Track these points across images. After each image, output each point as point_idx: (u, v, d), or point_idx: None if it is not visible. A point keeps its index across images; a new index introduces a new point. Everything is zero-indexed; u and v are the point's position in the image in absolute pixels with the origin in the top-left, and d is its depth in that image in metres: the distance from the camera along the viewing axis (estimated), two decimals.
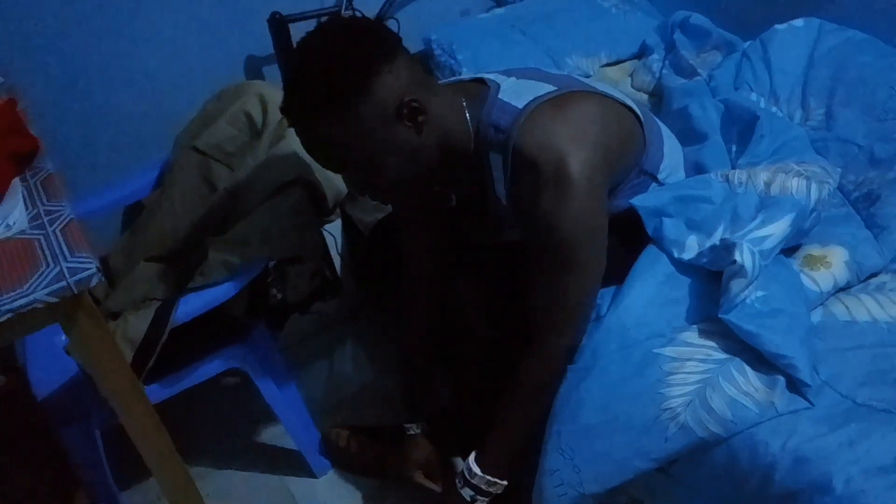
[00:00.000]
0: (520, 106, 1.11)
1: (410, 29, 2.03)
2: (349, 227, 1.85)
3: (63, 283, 0.94)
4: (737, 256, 1.06)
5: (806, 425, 1.03)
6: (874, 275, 1.26)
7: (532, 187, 1.07)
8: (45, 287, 0.94)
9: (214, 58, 1.92)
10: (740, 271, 1.06)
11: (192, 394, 1.43)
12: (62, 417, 1.32)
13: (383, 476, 1.61)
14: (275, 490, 1.65)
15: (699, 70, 1.84)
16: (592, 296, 1.18)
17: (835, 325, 1.18)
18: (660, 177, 1.30)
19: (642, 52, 2.07)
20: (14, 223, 1.05)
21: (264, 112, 1.43)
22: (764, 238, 1.13)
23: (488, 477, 1.24)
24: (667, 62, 1.97)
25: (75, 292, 0.95)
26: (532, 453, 1.21)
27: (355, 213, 1.83)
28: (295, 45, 1.10)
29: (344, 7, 1.95)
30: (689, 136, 1.55)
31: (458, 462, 1.42)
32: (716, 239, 1.16)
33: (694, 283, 1.19)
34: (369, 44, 1.07)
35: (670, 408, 1.07)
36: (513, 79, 1.19)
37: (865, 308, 1.19)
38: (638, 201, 1.22)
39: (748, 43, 1.88)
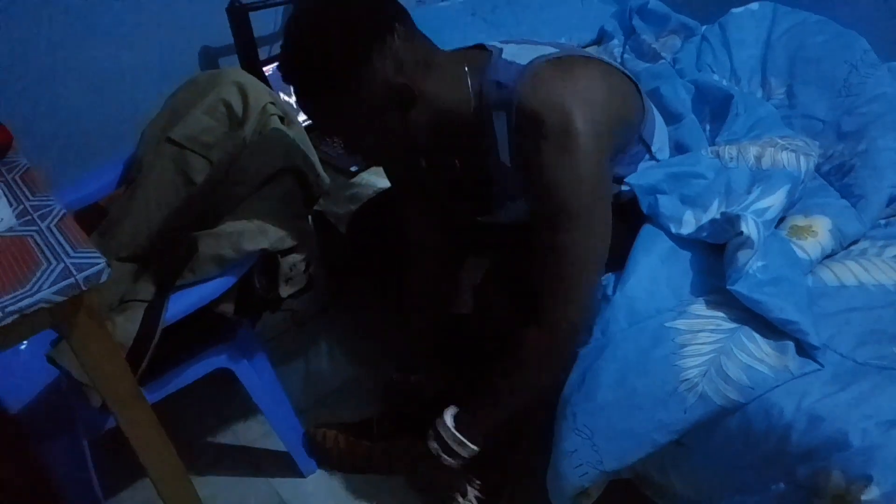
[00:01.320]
0: (523, 63, 1.09)
1: None
2: (318, 221, 1.81)
3: (71, 280, 0.88)
4: (743, 228, 1.09)
5: (816, 386, 1.06)
6: (855, 242, 1.32)
7: (536, 143, 1.05)
8: (50, 286, 0.88)
9: (169, 49, 1.85)
10: (747, 242, 1.09)
11: (170, 396, 1.36)
12: (44, 430, 1.24)
13: (373, 472, 1.58)
14: (262, 491, 1.60)
15: (662, 54, 1.89)
16: (599, 262, 1.13)
17: (826, 290, 1.23)
18: (653, 148, 1.30)
19: (601, 38, 2.11)
20: (1, 219, 0.98)
21: (244, 100, 1.38)
22: (765, 209, 1.17)
23: (459, 435, 1.21)
24: (627, 47, 2.02)
25: (84, 289, 0.89)
26: (507, 435, 1.22)
27: (327, 207, 1.80)
28: (291, 17, 1.09)
29: None
30: (664, 116, 1.58)
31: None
32: (712, 213, 1.19)
33: (694, 257, 1.22)
34: (363, 26, 1.04)
35: (687, 379, 1.09)
36: (513, 44, 1.17)
37: (852, 273, 1.25)
38: (633, 179, 1.23)
39: (706, 27, 1.95)
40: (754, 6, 1.88)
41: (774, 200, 1.19)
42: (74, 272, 0.89)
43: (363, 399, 1.77)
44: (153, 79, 1.83)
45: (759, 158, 1.28)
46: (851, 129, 1.48)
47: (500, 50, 1.14)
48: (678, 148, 1.48)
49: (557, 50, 1.14)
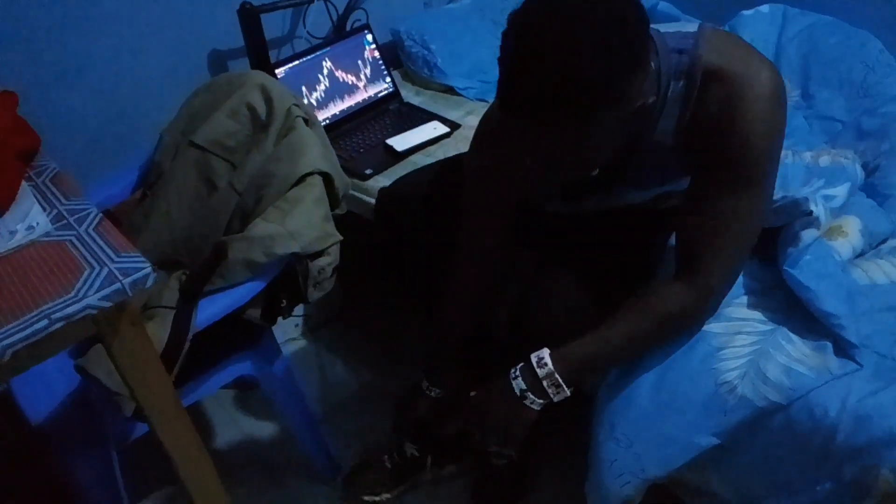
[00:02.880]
0: (693, 30, 1.02)
1: (374, 19, 2.01)
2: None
3: (117, 286, 0.86)
4: (812, 207, 1.09)
5: (859, 385, 1.06)
6: (883, 241, 1.33)
7: (726, 99, 0.99)
8: (96, 291, 0.85)
9: (179, 53, 1.82)
10: (814, 222, 1.09)
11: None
12: (70, 441, 1.21)
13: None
14: (285, 499, 1.57)
15: None
16: (757, 233, 1.08)
17: (858, 289, 1.23)
18: None
19: None
20: (37, 224, 0.95)
21: (268, 104, 1.35)
22: (832, 197, 1.17)
23: (557, 375, 1.09)
24: None
25: (130, 295, 0.87)
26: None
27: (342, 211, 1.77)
28: (524, 16, 0.89)
29: None
30: None
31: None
32: None
33: None
34: (630, 18, 0.88)
35: (726, 381, 1.08)
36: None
37: (882, 271, 1.25)
38: None
39: None
40: (764, 8, 1.89)
41: (839, 192, 1.20)
42: (120, 277, 0.86)
43: (381, 405, 1.75)
44: (163, 83, 1.80)
45: (815, 158, 1.29)
46: (873, 128, 1.49)
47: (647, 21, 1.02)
48: None
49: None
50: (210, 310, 1.21)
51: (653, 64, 0.97)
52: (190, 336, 1.18)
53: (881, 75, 1.60)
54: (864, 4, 1.76)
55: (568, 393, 1.10)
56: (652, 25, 0.98)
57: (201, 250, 1.35)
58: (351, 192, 1.70)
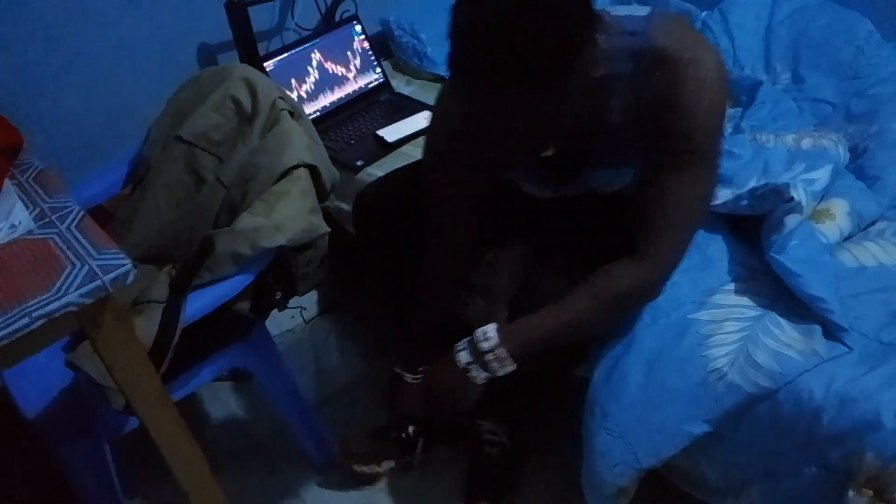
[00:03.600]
0: (644, 14, 1.06)
1: (363, 9, 2.00)
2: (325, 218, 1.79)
3: (97, 283, 0.86)
4: (794, 194, 1.09)
5: (845, 368, 1.06)
6: (871, 223, 1.32)
7: (672, 80, 1.02)
8: (77, 288, 0.86)
9: (167, 46, 1.82)
10: (796, 207, 1.09)
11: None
12: (64, 435, 1.22)
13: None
14: (280, 490, 1.58)
15: None
16: (706, 211, 1.12)
17: (846, 272, 1.23)
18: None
19: None
20: (19, 222, 0.96)
21: (253, 96, 1.35)
22: (813, 181, 1.17)
23: (503, 348, 1.10)
24: None
25: (111, 291, 0.88)
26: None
27: (333, 203, 1.77)
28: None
29: None
30: None
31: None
32: (747, 189, 1.19)
33: (714, 247, 1.22)
34: (587, 10, 0.92)
35: (716, 368, 1.08)
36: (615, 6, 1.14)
37: (871, 254, 1.25)
38: None
39: (706, 13, 1.94)
40: None
41: (821, 175, 1.20)
42: (101, 274, 0.87)
43: (375, 395, 1.76)
44: (151, 77, 1.81)
45: (797, 141, 1.29)
46: (862, 110, 1.49)
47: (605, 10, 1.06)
48: None
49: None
50: (198, 304, 1.22)
51: (602, 42, 0.97)
52: (179, 330, 1.18)
53: (871, 57, 1.59)
54: None
55: (513, 367, 1.12)
56: (605, 8, 1.03)
57: (190, 244, 1.36)
58: (344, 185, 1.71)
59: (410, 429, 1.54)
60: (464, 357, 1.14)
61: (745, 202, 1.19)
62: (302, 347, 1.93)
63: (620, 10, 1.08)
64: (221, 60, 1.94)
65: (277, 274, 1.34)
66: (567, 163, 1.16)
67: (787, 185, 1.11)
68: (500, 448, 1.47)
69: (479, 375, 1.13)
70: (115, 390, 1.14)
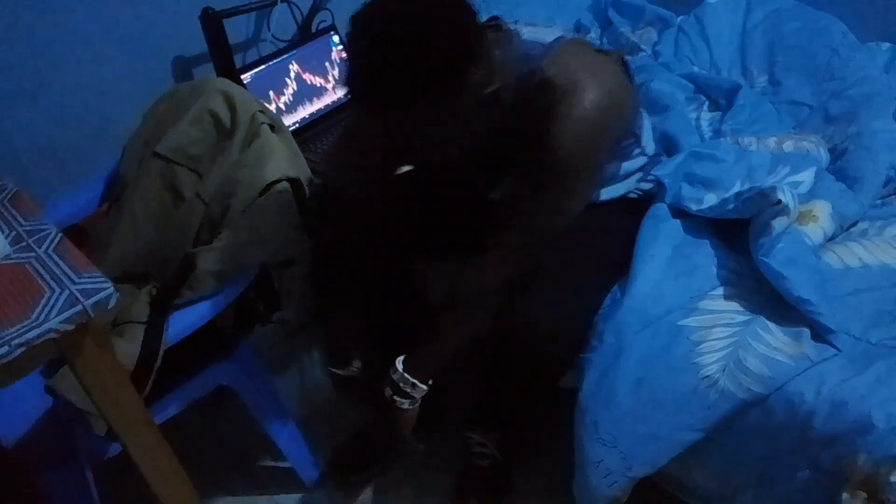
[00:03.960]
0: (548, 40, 1.12)
1: (339, 19, 1.98)
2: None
3: (78, 308, 0.84)
4: (781, 196, 1.10)
5: (834, 371, 1.07)
6: (853, 224, 1.33)
7: (546, 108, 1.06)
8: (57, 314, 0.83)
9: (141, 60, 1.78)
10: (783, 210, 1.09)
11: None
12: (45, 462, 1.19)
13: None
14: None
15: (642, 46, 1.89)
16: (562, 223, 1.16)
17: (831, 273, 1.23)
18: (642, 141, 1.31)
19: (577, 31, 2.10)
20: None
21: (232, 110, 1.33)
22: (798, 183, 1.17)
23: (408, 376, 1.23)
24: (605, 40, 2.01)
25: (91, 316, 0.85)
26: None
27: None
28: (368, 7, 0.97)
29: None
30: (650, 108, 1.58)
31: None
32: (732, 193, 1.19)
33: (700, 253, 1.22)
34: (466, 15, 0.99)
35: (707, 376, 1.08)
36: (521, 24, 1.18)
37: (855, 255, 1.26)
38: (659, 171, 1.24)
39: (681, 17, 1.95)
40: None
41: (805, 177, 1.21)
42: (81, 299, 0.84)
43: (360, 407, 1.73)
44: (126, 91, 1.77)
45: (780, 144, 1.29)
46: (840, 112, 1.50)
47: (517, 30, 1.14)
48: (665, 138, 1.48)
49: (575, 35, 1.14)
50: (181, 323, 1.20)
51: (497, 57, 1.04)
52: (162, 351, 1.16)
53: (846, 58, 1.60)
54: None
55: (425, 388, 1.23)
56: (517, 26, 1.12)
57: (170, 263, 1.33)
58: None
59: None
60: (387, 391, 1.24)
61: (731, 206, 1.19)
62: (285, 361, 1.91)
63: (534, 32, 1.13)
64: (197, 73, 1.91)
65: (260, 289, 1.32)
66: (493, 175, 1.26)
67: (773, 189, 1.11)
68: (490, 461, 1.46)
69: (403, 402, 1.24)
70: (97, 416, 1.12)
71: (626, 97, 1.15)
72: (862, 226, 1.32)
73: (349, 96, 1.00)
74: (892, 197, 1.37)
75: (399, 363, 1.24)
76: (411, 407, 1.25)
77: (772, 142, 1.31)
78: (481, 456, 1.46)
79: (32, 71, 1.61)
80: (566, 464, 1.26)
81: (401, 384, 1.23)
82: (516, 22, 1.18)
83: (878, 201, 1.37)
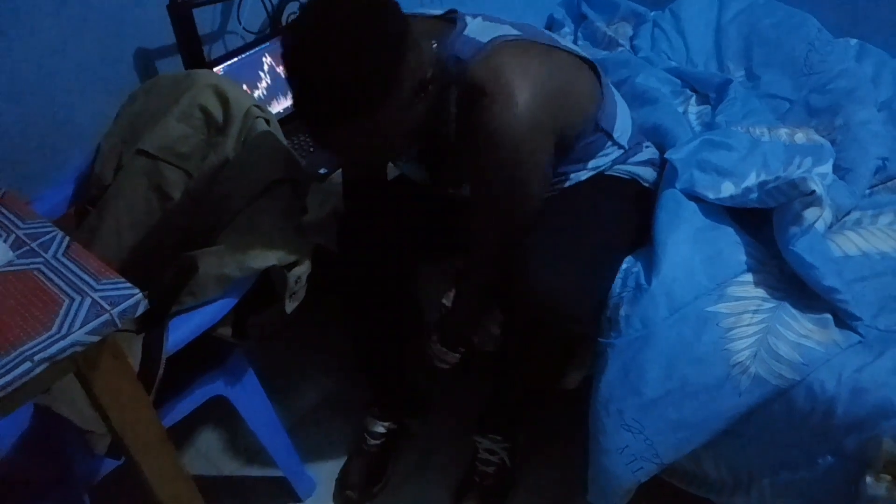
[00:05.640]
0: (483, 41, 1.12)
1: None
2: None
3: (105, 317, 0.77)
4: (814, 187, 1.10)
5: (851, 358, 1.08)
6: (846, 213, 1.36)
7: (480, 110, 1.08)
8: (81, 325, 0.76)
9: (101, 52, 1.67)
10: (815, 201, 1.10)
11: None
12: (38, 485, 1.09)
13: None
14: None
15: (620, 41, 1.90)
16: (531, 220, 1.21)
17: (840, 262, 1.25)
18: (615, 135, 1.31)
19: (550, 26, 2.09)
20: None
21: (224, 105, 1.26)
22: (825, 175, 1.18)
23: (444, 349, 1.34)
24: (580, 34, 2.01)
25: (119, 326, 0.78)
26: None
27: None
28: (294, 35, 1.00)
29: None
30: (636, 101, 1.58)
31: None
32: (752, 182, 1.20)
33: (723, 239, 1.22)
34: (390, 32, 1.00)
35: (739, 362, 1.08)
36: (479, 19, 1.18)
37: (853, 243, 1.28)
38: (672, 154, 1.24)
39: (655, 13, 1.97)
40: None
41: (827, 169, 1.22)
42: (107, 307, 0.77)
43: (349, 412, 1.69)
44: (85, 85, 1.65)
45: (791, 136, 1.31)
46: (823, 105, 1.53)
47: (465, 25, 1.15)
48: (657, 129, 1.47)
49: (520, 33, 1.16)
50: (181, 330, 1.12)
51: (434, 49, 1.09)
52: (163, 361, 1.08)
53: (823, 53, 1.65)
54: None
55: (458, 355, 1.35)
56: (474, 21, 1.14)
57: (158, 267, 1.25)
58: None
59: (378, 428, 1.55)
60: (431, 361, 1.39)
61: (754, 195, 1.20)
62: (267, 367, 1.82)
63: (486, 28, 1.14)
64: (161, 66, 1.80)
65: (258, 295, 1.26)
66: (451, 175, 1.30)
67: (803, 179, 1.12)
68: (495, 467, 1.43)
69: (444, 366, 1.38)
70: (98, 434, 1.04)
71: (568, 94, 1.18)
72: (855, 215, 1.35)
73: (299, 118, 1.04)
74: (880, 187, 1.41)
75: (434, 338, 1.34)
76: (452, 365, 1.37)
77: (783, 133, 1.33)
78: (487, 462, 1.43)
79: None
80: (571, 457, 1.24)
81: (438, 354, 1.34)
82: (475, 16, 1.18)
83: (867, 191, 1.40)
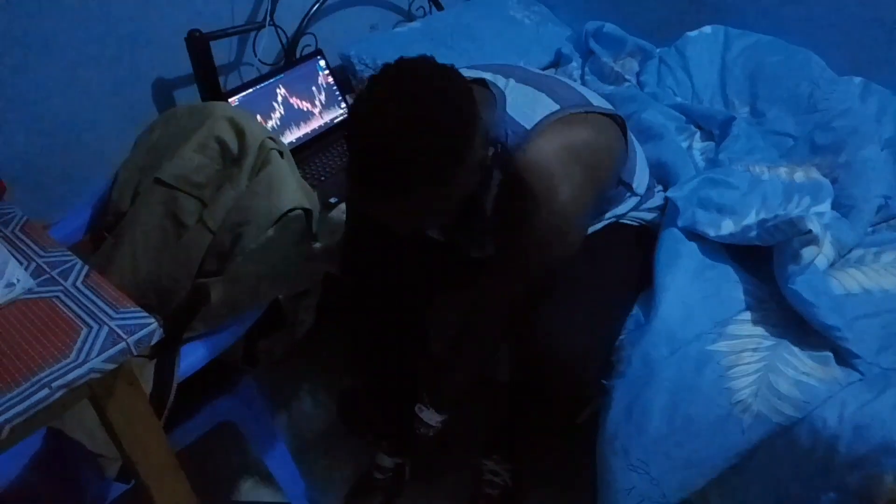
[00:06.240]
0: (528, 127, 1.11)
1: (323, 44, 1.96)
2: None
3: (122, 345, 0.79)
4: (811, 226, 1.12)
5: (853, 395, 1.09)
6: (849, 250, 1.38)
7: (522, 202, 1.09)
8: (98, 353, 0.78)
9: (121, 84, 1.72)
10: (813, 240, 1.12)
11: None
12: None
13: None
14: None
15: (626, 76, 1.93)
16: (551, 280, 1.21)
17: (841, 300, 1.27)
18: (634, 186, 1.31)
19: (558, 61, 2.13)
20: (17, 280, 0.87)
21: (239, 137, 1.29)
22: (822, 213, 1.20)
23: (433, 412, 1.30)
24: (587, 69, 2.05)
25: (135, 354, 0.80)
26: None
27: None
28: (366, 101, 0.98)
29: (267, 23, 1.83)
30: (642, 135, 1.61)
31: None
32: (751, 220, 1.22)
33: (721, 277, 1.24)
34: (464, 101, 1.00)
35: (740, 400, 1.09)
36: (512, 82, 1.17)
37: (855, 281, 1.29)
38: (673, 193, 1.25)
39: (661, 49, 2.00)
40: (707, 29, 1.96)
41: (825, 208, 1.24)
42: (123, 335, 0.80)
43: (350, 441, 1.69)
44: (106, 114, 1.71)
45: (790, 174, 1.33)
46: (826, 142, 1.55)
47: (504, 95, 1.14)
48: (660, 166, 1.50)
49: (558, 106, 1.14)
50: (193, 356, 1.15)
51: (489, 125, 1.08)
52: (174, 387, 1.11)
53: (827, 91, 1.67)
54: (802, 24, 1.84)
55: (440, 419, 1.31)
56: (500, 100, 1.12)
57: (171, 294, 1.28)
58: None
59: (387, 463, 1.53)
60: (417, 428, 1.34)
61: (753, 233, 1.22)
62: (273, 393, 1.85)
63: (527, 106, 1.12)
64: (179, 97, 1.86)
65: (267, 321, 1.28)
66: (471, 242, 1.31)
67: (801, 218, 1.14)
68: (500, 490, 1.44)
69: (428, 431, 1.32)
70: (109, 458, 1.06)
71: (608, 163, 1.18)
72: (857, 252, 1.36)
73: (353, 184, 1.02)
74: (882, 225, 1.43)
75: (421, 404, 1.30)
76: (432, 434, 1.33)
77: (782, 171, 1.35)
78: (492, 484, 1.44)
79: (7, 91, 1.53)
80: (576, 489, 1.24)
81: (425, 420, 1.30)
82: (507, 78, 1.18)
83: (870, 228, 1.42)
